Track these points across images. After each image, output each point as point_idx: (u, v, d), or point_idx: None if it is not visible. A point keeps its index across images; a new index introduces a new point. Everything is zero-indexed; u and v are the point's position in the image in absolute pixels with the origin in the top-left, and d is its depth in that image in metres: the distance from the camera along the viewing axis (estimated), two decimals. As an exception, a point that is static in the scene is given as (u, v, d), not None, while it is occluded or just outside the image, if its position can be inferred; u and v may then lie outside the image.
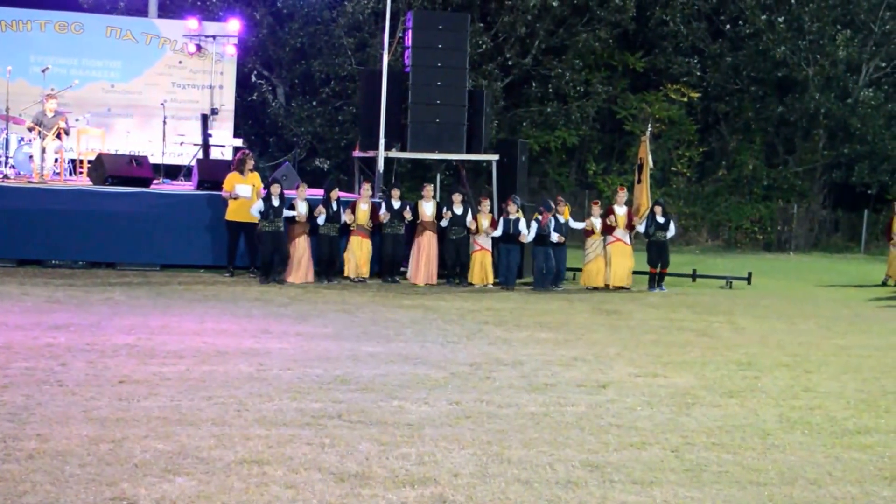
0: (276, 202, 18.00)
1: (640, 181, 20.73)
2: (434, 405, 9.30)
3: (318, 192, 19.68)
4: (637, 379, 10.95)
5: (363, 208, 18.81)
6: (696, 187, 34.32)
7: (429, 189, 19.48)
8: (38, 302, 14.41)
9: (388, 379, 10.29)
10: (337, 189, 19.06)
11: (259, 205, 17.96)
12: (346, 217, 18.58)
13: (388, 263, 19.24)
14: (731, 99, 34.49)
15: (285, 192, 18.54)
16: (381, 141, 20.18)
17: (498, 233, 18.97)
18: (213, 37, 24.80)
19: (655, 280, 19.81)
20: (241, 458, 7.38)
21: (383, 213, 18.85)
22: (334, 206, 18.57)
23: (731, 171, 34.51)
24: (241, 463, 7.29)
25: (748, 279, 21.30)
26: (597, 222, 19.56)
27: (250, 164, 18.90)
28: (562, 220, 19.24)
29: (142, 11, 27.12)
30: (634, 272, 19.99)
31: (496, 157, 21.35)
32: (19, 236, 18.27)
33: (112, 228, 18.57)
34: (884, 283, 22.64)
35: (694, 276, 21.64)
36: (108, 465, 7.09)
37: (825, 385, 11.09)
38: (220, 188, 18.73)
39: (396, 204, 19.08)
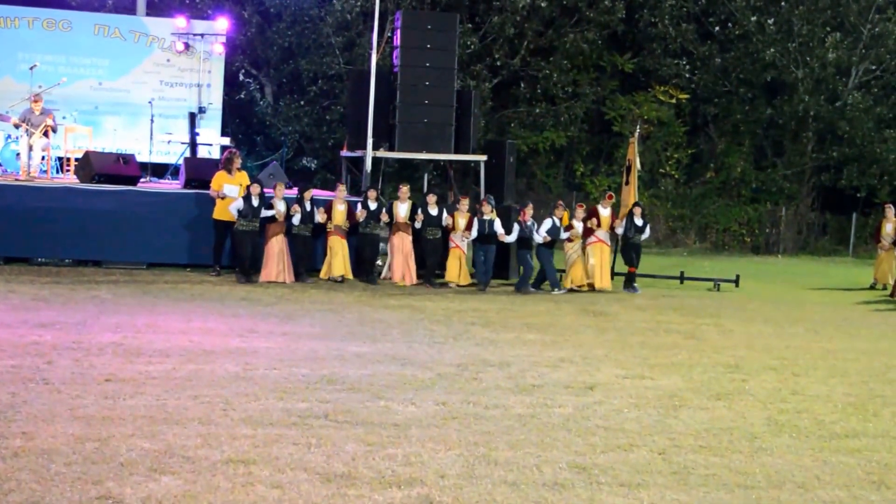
0: (255, 202, 17.90)
1: (627, 183, 20.73)
2: (421, 406, 9.29)
3: (319, 193, 19.61)
4: (624, 381, 10.96)
5: (339, 209, 18.71)
6: (684, 189, 34.30)
7: (404, 190, 19.31)
8: (24, 300, 14.36)
9: (374, 379, 10.28)
10: (311, 189, 19.00)
11: (238, 203, 17.87)
12: (318, 217, 18.50)
13: (365, 264, 19.09)
14: (720, 101, 34.47)
15: (266, 190, 18.50)
16: (369, 140, 20.13)
17: (473, 234, 18.88)
18: (202, 35, 24.72)
19: (634, 280, 19.75)
20: (227, 458, 7.37)
21: (359, 212, 18.76)
22: (307, 206, 18.48)
23: (719, 174, 34.50)
24: (228, 462, 7.28)
25: (736, 282, 21.30)
26: (579, 226, 19.49)
27: (238, 162, 18.86)
28: (558, 223, 19.18)
29: (130, 9, 27.05)
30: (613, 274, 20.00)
31: (484, 157, 21.32)
32: (5, 233, 18.16)
33: (99, 226, 18.49)
34: (872, 287, 22.65)
35: (681, 278, 21.62)
36: (94, 464, 7.08)
37: (813, 388, 11.11)
38: (207, 187, 18.66)
39: (373, 205, 18.97)
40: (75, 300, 14.60)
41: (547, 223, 19.10)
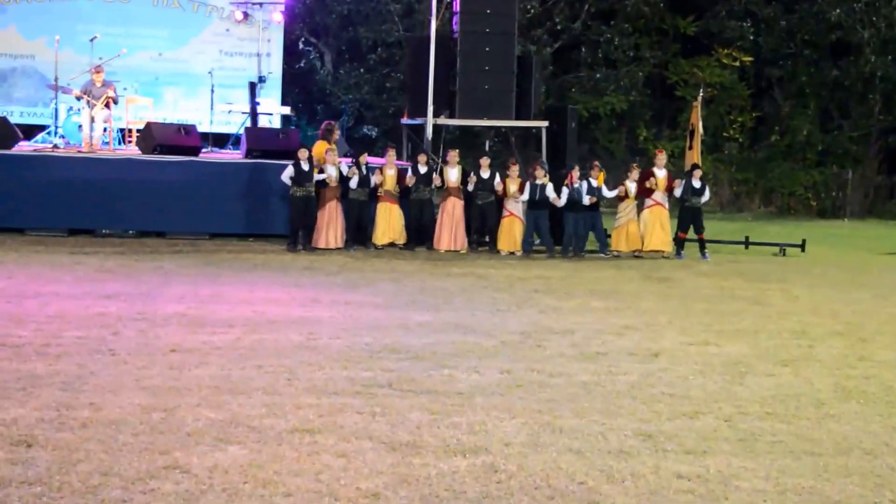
0: (305, 166, 17.88)
1: (691, 147, 20.50)
2: (484, 374, 9.25)
3: (374, 160, 19.59)
4: (689, 347, 10.84)
5: (390, 174, 18.66)
6: (748, 153, 33.88)
7: (453, 154, 19.15)
8: (89, 271, 14.51)
9: (438, 348, 10.25)
10: (366, 154, 19.00)
11: (290, 170, 17.89)
12: (375, 179, 18.43)
13: (415, 230, 19.02)
14: (785, 63, 33.91)
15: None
16: (430, 108, 20.06)
17: (525, 197, 18.72)
18: (260, 4, 24.68)
19: (683, 245, 19.35)
20: (292, 427, 7.39)
21: (409, 177, 18.71)
22: (363, 171, 18.45)
23: (784, 137, 34.00)
24: (293, 432, 7.29)
25: (802, 246, 20.98)
26: (632, 186, 19.23)
27: (336, 134, 19.02)
28: (594, 184, 18.97)
29: (188, -22, 27.00)
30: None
31: (545, 123, 21.14)
32: (70, 206, 18.34)
33: (161, 197, 18.62)
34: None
35: (746, 243, 21.35)
36: (161, 434, 7.12)
37: (880, 354, 10.93)
38: (268, 156, 18.83)
39: (423, 169, 18.88)
40: (140, 271, 14.74)
41: (583, 185, 18.88)
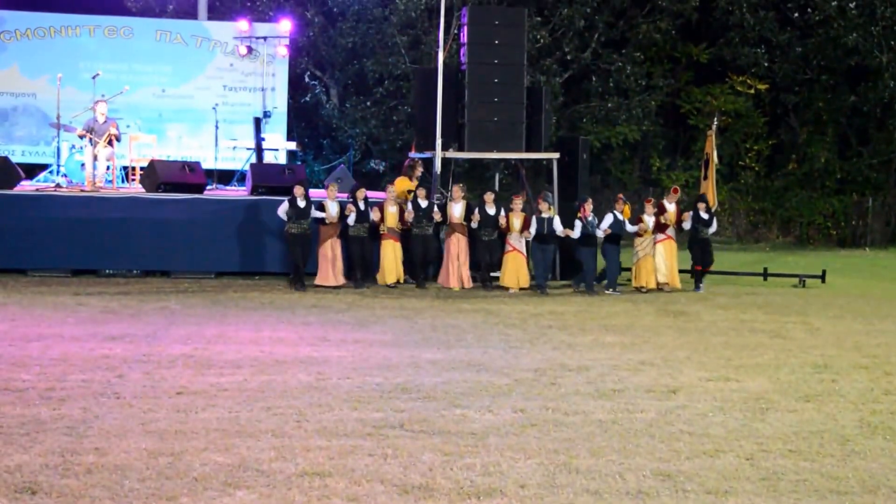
0: (301, 203, 17.72)
1: (706, 177, 20.34)
2: (498, 413, 9.14)
3: (375, 195, 19.45)
4: (708, 383, 10.71)
5: (391, 210, 18.46)
6: (765, 182, 33.75)
7: (457, 189, 18.94)
8: (93, 312, 14.40)
9: (450, 387, 10.14)
10: (364, 189, 18.73)
11: (285, 206, 17.75)
12: (372, 215, 18.18)
13: (418, 265, 18.81)
14: (801, 89, 33.80)
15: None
16: (438, 141, 19.91)
17: (532, 233, 18.47)
18: (265, 38, 24.73)
19: (700, 279, 19.23)
20: (302, 471, 7.31)
21: (409, 212, 18.48)
22: (361, 206, 18.22)
23: (801, 165, 33.85)
24: (303, 475, 7.22)
25: (822, 277, 20.76)
26: (650, 220, 19.04)
27: (419, 170, 19.15)
28: (620, 217, 18.76)
29: (191, 14, 27.00)
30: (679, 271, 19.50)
31: (556, 155, 21.01)
32: (73, 246, 18.22)
33: (166, 236, 18.51)
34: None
35: (765, 274, 21.16)
36: (168, 479, 7.06)
37: (906, 388, 10.76)
38: (274, 193, 18.76)
39: (423, 203, 18.69)
40: (144, 312, 14.62)
41: (608, 218, 18.69)
